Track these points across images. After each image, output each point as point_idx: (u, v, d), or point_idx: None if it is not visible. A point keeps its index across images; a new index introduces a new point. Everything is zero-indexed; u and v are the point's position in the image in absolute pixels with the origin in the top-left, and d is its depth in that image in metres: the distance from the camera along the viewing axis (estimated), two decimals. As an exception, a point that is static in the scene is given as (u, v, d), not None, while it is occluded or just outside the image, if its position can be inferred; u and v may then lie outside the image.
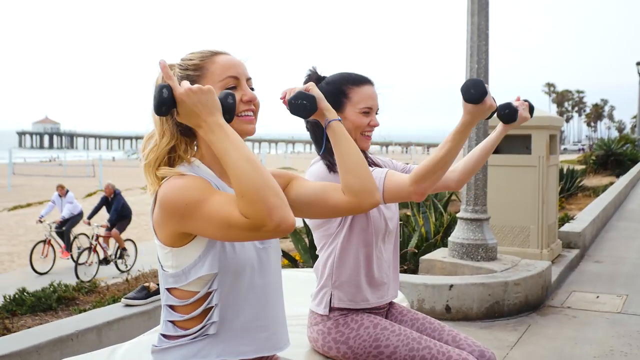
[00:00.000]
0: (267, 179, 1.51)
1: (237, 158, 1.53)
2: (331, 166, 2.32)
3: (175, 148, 1.77)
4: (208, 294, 1.71)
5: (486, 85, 2.03)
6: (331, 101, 2.29)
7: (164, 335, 1.78)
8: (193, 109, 1.57)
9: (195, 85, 1.59)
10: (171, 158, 1.77)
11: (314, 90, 2.00)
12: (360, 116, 2.35)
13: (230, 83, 1.77)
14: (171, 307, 1.75)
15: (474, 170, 2.46)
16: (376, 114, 2.43)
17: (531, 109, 2.48)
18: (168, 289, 1.75)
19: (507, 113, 2.39)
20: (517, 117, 2.40)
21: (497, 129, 2.51)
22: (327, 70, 2.46)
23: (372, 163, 2.50)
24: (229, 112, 1.63)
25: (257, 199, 1.47)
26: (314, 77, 2.41)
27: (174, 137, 1.76)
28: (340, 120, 1.96)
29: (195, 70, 1.78)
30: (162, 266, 1.75)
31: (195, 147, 1.83)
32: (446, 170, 2.11)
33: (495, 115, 2.28)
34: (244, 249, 1.73)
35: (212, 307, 1.71)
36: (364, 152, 2.50)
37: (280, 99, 2.08)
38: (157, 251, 1.75)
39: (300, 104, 1.96)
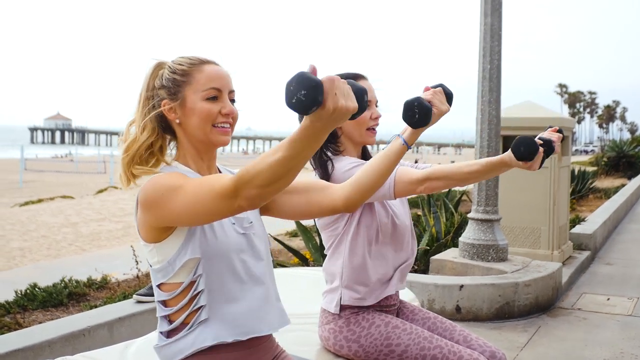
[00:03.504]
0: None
1: (300, 154, 1.40)
2: (325, 175, 2.33)
3: (152, 144, 1.85)
4: (193, 282, 1.77)
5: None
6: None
7: (162, 333, 1.84)
8: (339, 111, 1.32)
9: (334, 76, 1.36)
10: (146, 154, 1.85)
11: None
12: None
13: (212, 94, 1.83)
14: (162, 302, 1.83)
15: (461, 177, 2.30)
16: (376, 106, 2.43)
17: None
18: (158, 286, 1.82)
19: (546, 150, 2.21)
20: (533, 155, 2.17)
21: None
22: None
23: None
24: (362, 110, 1.41)
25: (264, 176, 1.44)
26: None
27: (155, 132, 1.85)
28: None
29: (182, 75, 1.84)
30: (150, 265, 1.82)
31: (174, 149, 1.91)
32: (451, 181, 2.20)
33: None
34: (225, 233, 1.80)
35: (199, 292, 1.77)
36: (366, 150, 2.51)
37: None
38: (144, 252, 1.82)
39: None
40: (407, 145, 1.94)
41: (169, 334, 1.82)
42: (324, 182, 1.96)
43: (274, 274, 1.98)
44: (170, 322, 1.82)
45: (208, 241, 1.76)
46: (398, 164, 1.97)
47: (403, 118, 1.93)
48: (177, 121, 1.85)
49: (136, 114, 1.87)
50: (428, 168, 2.26)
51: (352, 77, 2.36)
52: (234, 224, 1.84)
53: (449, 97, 2.03)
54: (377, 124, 2.40)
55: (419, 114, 1.89)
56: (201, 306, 1.77)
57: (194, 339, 1.77)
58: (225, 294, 1.79)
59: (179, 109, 1.83)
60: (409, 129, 1.95)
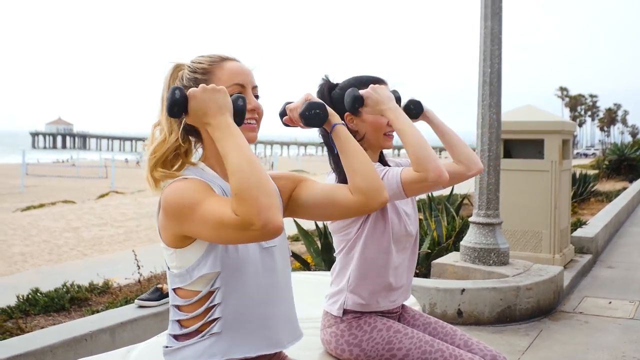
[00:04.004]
0: (262, 180, 1.55)
1: (237, 157, 1.58)
2: (342, 179, 2.34)
3: (178, 147, 1.82)
4: (211, 293, 1.75)
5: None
6: (347, 106, 2.31)
7: (173, 336, 1.82)
8: (204, 106, 1.66)
9: (210, 85, 1.68)
10: (172, 157, 1.82)
11: (314, 97, 2.04)
12: (379, 117, 2.36)
13: (236, 90, 1.81)
14: (177, 306, 1.81)
15: (457, 145, 2.51)
16: None
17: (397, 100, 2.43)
18: (174, 289, 1.81)
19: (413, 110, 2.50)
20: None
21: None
22: (338, 77, 2.48)
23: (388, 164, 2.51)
24: (240, 114, 1.70)
25: (249, 197, 1.51)
26: (327, 85, 2.43)
27: (181, 136, 1.81)
28: (344, 124, 1.99)
29: (203, 74, 1.83)
30: (168, 267, 1.80)
31: (201, 150, 1.88)
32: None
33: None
34: (246, 249, 1.77)
35: (215, 305, 1.75)
36: (382, 154, 2.52)
37: (284, 119, 2.13)
38: (163, 253, 1.80)
39: (314, 114, 1.99)
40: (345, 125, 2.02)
41: (179, 338, 1.81)
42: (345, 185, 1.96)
43: (292, 289, 1.95)
44: (182, 327, 1.80)
45: (229, 255, 1.74)
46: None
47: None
48: None
49: (160, 117, 1.83)
50: None
51: (372, 82, 2.39)
52: None
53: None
54: (393, 130, 2.40)
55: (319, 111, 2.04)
56: (216, 318, 1.75)
57: (204, 351, 1.75)
58: (240, 310, 1.77)
59: None
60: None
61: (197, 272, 1.73)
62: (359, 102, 2.30)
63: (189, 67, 1.86)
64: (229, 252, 1.74)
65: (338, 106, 2.36)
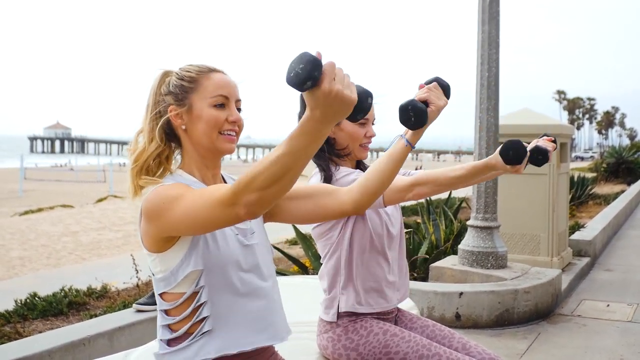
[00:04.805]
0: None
1: (299, 152, 1.40)
2: (328, 177, 2.35)
3: (160, 153, 1.86)
4: (196, 293, 1.77)
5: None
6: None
7: (164, 341, 1.83)
8: (336, 96, 1.34)
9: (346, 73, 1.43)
10: (153, 163, 1.86)
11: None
12: (357, 127, 2.41)
13: (219, 101, 1.84)
14: (164, 311, 1.83)
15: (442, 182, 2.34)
16: (372, 124, 2.47)
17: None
18: (160, 295, 1.83)
19: (541, 159, 2.31)
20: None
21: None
22: None
23: None
24: (364, 111, 1.49)
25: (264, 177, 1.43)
26: None
27: (162, 140, 1.85)
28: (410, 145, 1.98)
29: (189, 82, 1.85)
30: (152, 273, 1.82)
31: (179, 157, 1.92)
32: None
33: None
34: (227, 244, 1.80)
35: (201, 304, 1.77)
36: (360, 161, 2.54)
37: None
38: (147, 261, 1.82)
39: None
40: (411, 145, 1.96)
41: (170, 343, 1.82)
42: (330, 186, 1.99)
43: (277, 284, 1.98)
44: (172, 331, 1.81)
45: (210, 252, 1.76)
46: (403, 164, 1.97)
47: (400, 121, 1.94)
48: (183, 127, 1.85)
49: (144, 123, 1.88)
50: (414, 174, 2.30)
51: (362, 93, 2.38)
52: (237, 234, 1.85)
53: (445, 89, 1.99)
54: (370, 142, 2.44)
55: (414, 116, 1.90)
56: (205, 317, 1.77)
57: (198, 350, 1.77)
58: (228, 305, 1.79)
59: (186, 115, 1.84)
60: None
61: (181, 272, 1.75)
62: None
63: (177, 74, 1.88)
64: (210, 249, 1.76)
65: None
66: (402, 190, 2.19)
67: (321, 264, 2.50)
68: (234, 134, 1.87)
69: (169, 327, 1.82)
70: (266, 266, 1.92)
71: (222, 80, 1.87)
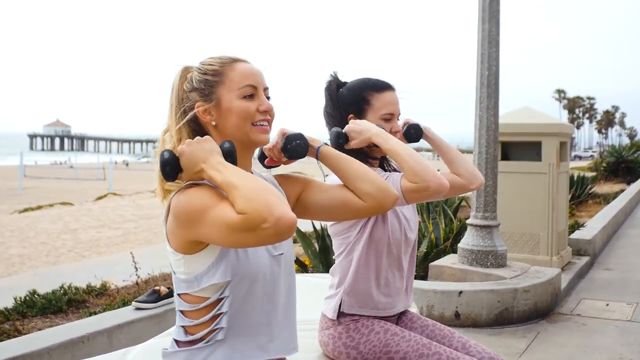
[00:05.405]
0: (267, 186, 1.54)
1: (237, 178, 1.57)
2: None
3: None
4: (219, 301, 1.71)
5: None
6: (353, 108, 2.32)
7: (176, 341, 1.79)
8: (193, 157, 1.64)
9: (195, 138, 1.68)
10: None
11: (289, 130, 2.00)
12: (382, 122, 2.37)
13: (248, 91, 1.79)
14: (182, 312, 1.77)
15: (457, 161, 2.51)
16: (397, 119, 2.44)
17: (413, 131, 2.50)
18: (180, 294, 1.76)
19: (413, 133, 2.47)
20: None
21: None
22: (347, 76, 2.47)
23: (394, 169, 2.50)
24: (230, 155, 1.68)
25: (258, 197, 1.49)
26: (335, 82, 2.43)
27: (190, 138, 1.77)
28: (326, 144, 2.00)
29: (214, 75, 1.80)
30: (174, 271, 1.76)
31: None
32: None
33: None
34: (257, 256, 1.74)
35: (222, 313, 1.71)
36: (384, 157, 2.51)
37: (265, 162, 2.06)
38: (169, 257, 1.75)
39: (296, 145, 1.96)
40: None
41: (180, 344, 1.77)
42: None
43: (295, 294, 1.93)
44: (188, 334, 1.76)
45: (241, 263, 1.71)
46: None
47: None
48: (213, 123, 1.80)
49: (169, 122, 1.82)
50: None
51: (380, 86, 2.40)
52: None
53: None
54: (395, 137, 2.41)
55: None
56: (222, 327, 1.72)
57: (206, 356, 1.73)
58: (244, 318, 1.74)
59: (214, 110, 1.79)
60: None
61: (206, 280, 1.69)
62: (343, 138, 2.27)
63: (199, 69, 1.83)
64: (240, 261, 1.70)
65: (343, 106, 2.37)
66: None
67: (322, 261, 2.49)
68: (267, 123, 1.83)
69: (185, 329, 1.77)
70: (285, 279, 1.86)
71: (248, 70, 1.82)
